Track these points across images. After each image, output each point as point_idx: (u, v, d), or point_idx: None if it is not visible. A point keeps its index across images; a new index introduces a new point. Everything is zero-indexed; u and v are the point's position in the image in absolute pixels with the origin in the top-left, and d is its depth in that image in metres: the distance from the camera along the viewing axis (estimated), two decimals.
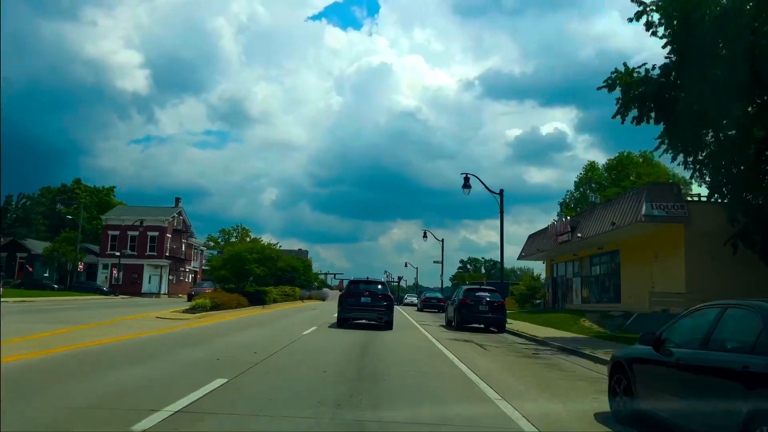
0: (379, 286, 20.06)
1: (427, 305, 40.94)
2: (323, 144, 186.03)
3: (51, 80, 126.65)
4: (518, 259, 41.51)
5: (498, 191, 26.85)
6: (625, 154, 59.97)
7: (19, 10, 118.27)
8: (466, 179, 26.80)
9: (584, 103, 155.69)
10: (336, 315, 19.78)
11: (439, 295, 41.86)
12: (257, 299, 29.07)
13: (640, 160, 57.24)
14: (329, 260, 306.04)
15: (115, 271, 57.90)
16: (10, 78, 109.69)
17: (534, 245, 36.45)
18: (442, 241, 53.12)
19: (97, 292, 49.08)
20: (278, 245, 70.88)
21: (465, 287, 23.71)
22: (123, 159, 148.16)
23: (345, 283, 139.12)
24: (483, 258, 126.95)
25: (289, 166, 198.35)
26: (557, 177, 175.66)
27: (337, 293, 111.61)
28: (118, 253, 56.40)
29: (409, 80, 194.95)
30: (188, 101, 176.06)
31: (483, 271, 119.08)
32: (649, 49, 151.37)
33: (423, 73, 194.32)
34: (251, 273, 28.81)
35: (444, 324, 23.74)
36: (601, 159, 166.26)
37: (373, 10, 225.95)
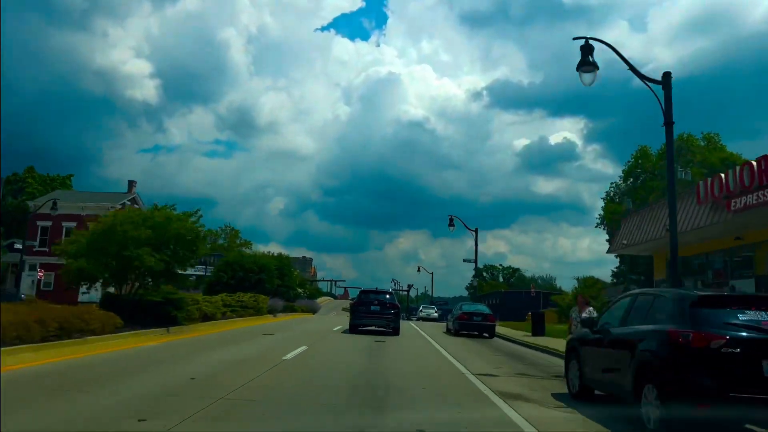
0: (387, 296, 22.28)
1: (468, 326, 23.00)
2: (331, 154, 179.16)
3: (61, 90, 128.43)
4: (610, 251, 28.08)
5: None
6: (685, 136, 51.16)
7: (31, 21, 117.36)
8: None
9: (593, 113, 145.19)
10: (348, 323, 21.45)
11: (485, 309, 24.64)
12: (162, 316, 15.47)
13: (702, 143, 52.62)
14: (336, 269, 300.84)
15: (41, 273, 44.40)
16: (22, 87, 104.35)
17: (644, 227, 22.52)
18: (476, 230, 39.48)
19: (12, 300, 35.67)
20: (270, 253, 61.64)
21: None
22: (132, 168, 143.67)
23: (350, 292, 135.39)
24: (501, 265, 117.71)
25: (297, 176, 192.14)
26: (566, 187, 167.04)
27: (341, 303, 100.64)
28: (47, 250, 42.97)
29: (416, 90, 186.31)
30: (197, 111, 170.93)
31: (501, 279, 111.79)
32: (656, 60, 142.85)
33: (431, 82, 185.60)
34: (140, 264, 14.63)
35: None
36: (609, 169, 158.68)
37: (381, 21, 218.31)
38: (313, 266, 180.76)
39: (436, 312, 63.37)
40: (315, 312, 46.72)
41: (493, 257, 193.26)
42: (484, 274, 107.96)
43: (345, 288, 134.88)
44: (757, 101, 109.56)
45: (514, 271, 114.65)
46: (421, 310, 65.73)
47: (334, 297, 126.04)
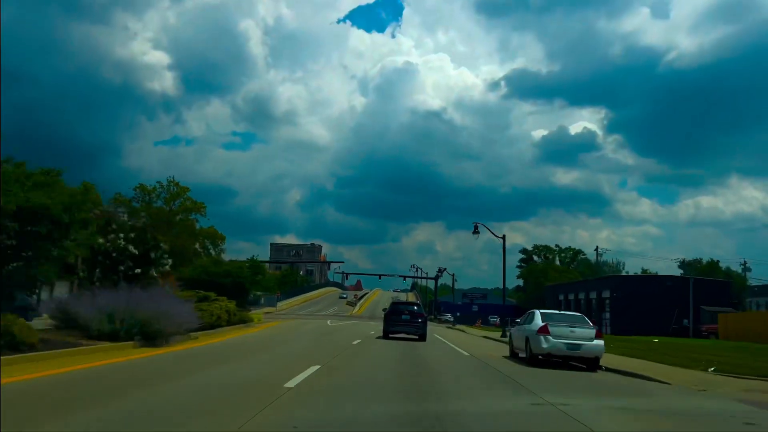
0: (415, 307, 25.87)
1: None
2: (347, 144, 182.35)
3: (82, 81, 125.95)
4: None
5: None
6: None
7: (51, 13, 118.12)
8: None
9: (614, 103, 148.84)
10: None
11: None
12: None
13: None
14: (352, 260, 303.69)
15: None
16: (43, 79, 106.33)
17: None
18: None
19: None
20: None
21: None
22: (150, 159, 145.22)
23: (362, 281, 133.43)
24: (557, 246, 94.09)
25: (314, 167, 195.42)
26: (585, 178, 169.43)
27: (352, 293, 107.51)
28: None
29: (433, 80, 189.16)
30: (214, 102, 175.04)
31: (558, 261, 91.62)
32: (677, 47, 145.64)
33: (448, 72, 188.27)
34: None
35: None
36: (630, 160, 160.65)
37: (398, 12, 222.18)
38: (323, 254, 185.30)
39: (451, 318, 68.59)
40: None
41: (510, 248, 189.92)
42: (535, 257, 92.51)
43: (358, 280, 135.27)
44: None
45: (575, 254, 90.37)
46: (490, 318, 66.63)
47: (342, 288, 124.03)
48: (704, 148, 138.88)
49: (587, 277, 69.92)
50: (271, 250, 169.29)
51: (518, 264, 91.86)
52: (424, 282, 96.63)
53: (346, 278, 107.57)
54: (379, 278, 70.76)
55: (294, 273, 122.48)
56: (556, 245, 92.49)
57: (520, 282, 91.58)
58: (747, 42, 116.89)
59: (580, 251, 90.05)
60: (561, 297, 63.99)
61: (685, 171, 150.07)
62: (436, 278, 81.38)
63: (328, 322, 40.88)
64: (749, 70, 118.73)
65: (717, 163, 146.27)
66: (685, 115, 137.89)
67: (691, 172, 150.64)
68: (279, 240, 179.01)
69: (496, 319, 64.89)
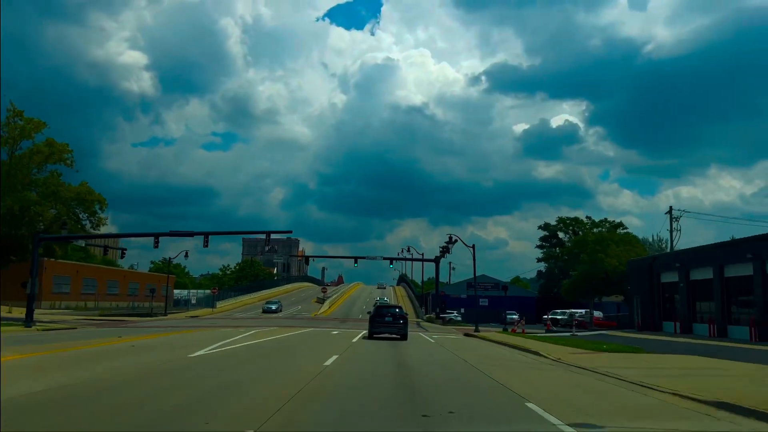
0: (397, 309, 26.55)
1: None
2: (329, 142, 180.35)
3: (56, 83, 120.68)
4: None
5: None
6: None
7: (25, 13, 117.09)
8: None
9: (595, 95, 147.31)
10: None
11: None
12: None
13: None
14: (337, 260, 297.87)
15: None
16: (16, 80, 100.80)
17: None
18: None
19: None
20: None
21: None
22: (128, 161, 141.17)
23: (343, 276, 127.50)
24: (589, 218, 69.79)
25: (295, 166, 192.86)
26: (567, 170, 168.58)
27: (325, 291, 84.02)
28: None
29: (414, 76, 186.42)
30: (193, 102, 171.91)
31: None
32: (655, 39, 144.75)
33: (429, 68, 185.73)
34: None
35: None
36: (611, 152, 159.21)
37: (377, 9, 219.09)
38: (300, 249, 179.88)
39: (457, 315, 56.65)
40: None
41: (494, 242, 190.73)
42: (560, 235, 71.64)
43: (340, 275, 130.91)
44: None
45: (615, 227, 63.86)
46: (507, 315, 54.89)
47: (320, 284, 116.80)
48: (683, 138, 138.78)
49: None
50: (243, 245, 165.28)
51: (540, 244, 74.26)
52: (418, 267, 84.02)
53: (326, 272, 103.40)
54: (355, 262, 55.30)
55: (254, 266, 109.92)
56: (588, 217, 70.01)
57: (542, 267, 75.48)
58: (724, 32, 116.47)
59: (620, 224, 65.78)
60: (674, 276, 37.07)
61: (665, 162, 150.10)
62: (437, 260, 57.70)
63: (247, 334, 24.24)
64: (727, 60, 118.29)
65: (696, 154, 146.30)
66: (665, 106, 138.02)
67: (670, 162, 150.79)
68: (252, 234, 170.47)
69: (514, 316, 51.64)
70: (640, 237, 62.77)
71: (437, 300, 60.13)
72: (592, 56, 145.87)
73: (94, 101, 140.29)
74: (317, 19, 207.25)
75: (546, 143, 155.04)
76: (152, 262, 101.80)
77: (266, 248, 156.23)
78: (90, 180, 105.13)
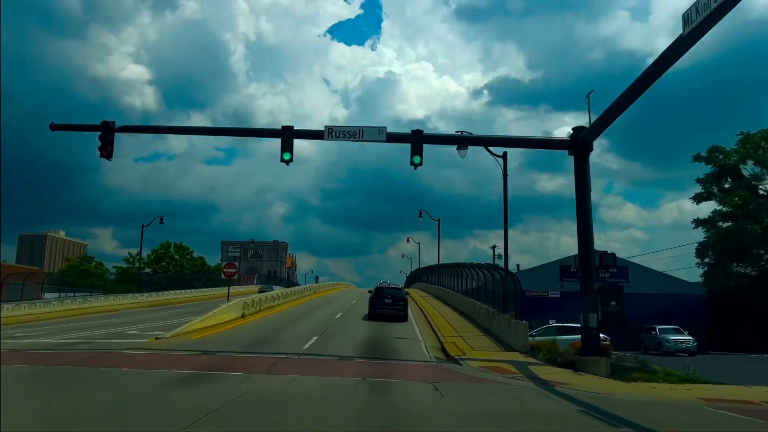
0: (397, 291, 27.20)
1: None
2: (330, 157, 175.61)
3: (58, 98, 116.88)
4: None
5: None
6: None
7: (27, 29, 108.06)
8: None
9: (598, 107, 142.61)
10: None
11: None
12: None
13: None
14: (339, 274, 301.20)
15: None
16: (18, 96, 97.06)
17: None
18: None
19: None
20: None
21: None
22: (130, 176, 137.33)
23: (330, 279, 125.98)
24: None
25: (297, 180, 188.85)
26: (570, 184, 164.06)
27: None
28: None
29: (416, 90, 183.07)
30: (195, 117, 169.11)
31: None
32: (658, 51, 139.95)
33: (431, 82, 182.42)
34: None
35: None
36: (614, 165, 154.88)
37: (377, 25, 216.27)
38: (289, 254, 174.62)
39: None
40: None
41: (498, 258, 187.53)
42: (743, 169, 44.42)
43: (316, 276, 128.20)
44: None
45: None
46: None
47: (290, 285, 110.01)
48: (688, 150, 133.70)
49: None
50: (222, 249, 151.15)
51: (700, 191, 45.71)
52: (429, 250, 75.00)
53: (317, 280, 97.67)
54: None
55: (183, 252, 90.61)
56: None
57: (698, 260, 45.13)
58: (728, 44, 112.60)
59: None
60: None
61: (669, 174, 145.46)
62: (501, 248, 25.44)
63: None
64: (731, 72, 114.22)
65: (700, 165, 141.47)
66: (669, 117, 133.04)
67: (675, 175, 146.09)
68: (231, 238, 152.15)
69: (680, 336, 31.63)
70: None
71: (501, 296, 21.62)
72: (594, 68, 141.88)
73: (96, 116, 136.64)
74: (319, 36, 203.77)
75: (548, 156, 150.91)
76: None
77: (249, 253, 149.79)
78: (91, 195, 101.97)
